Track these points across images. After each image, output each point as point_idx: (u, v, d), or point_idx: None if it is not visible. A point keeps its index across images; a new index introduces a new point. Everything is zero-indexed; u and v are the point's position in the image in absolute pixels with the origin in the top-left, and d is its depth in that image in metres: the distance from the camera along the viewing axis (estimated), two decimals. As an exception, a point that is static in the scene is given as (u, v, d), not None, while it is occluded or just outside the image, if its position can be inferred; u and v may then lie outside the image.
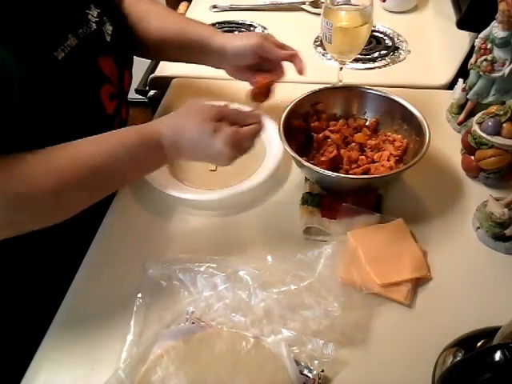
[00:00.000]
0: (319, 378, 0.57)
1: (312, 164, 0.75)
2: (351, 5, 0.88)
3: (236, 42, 0.84)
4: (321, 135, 0.84)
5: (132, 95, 1.13)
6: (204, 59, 0.90)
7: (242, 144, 0.69)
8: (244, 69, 0.86)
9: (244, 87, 1.03)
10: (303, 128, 0.85)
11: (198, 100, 0.72)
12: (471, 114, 0.87)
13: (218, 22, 1.28)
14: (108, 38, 0.77)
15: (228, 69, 0.88)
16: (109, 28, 0.77)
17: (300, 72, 0.84)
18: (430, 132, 0.76)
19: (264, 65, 0.85)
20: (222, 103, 0.73)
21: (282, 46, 0.85)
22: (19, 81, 0.61)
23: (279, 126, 0.79)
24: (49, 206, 0.63)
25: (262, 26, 1.26)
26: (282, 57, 0.84)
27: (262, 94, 0.82)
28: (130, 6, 0.89)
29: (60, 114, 0.67)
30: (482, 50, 0.79)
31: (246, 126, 0.70)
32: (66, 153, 0.64)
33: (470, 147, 0.80)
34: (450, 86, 1.01)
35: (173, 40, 0.87)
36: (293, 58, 0.84)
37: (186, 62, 0.94)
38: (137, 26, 0.88)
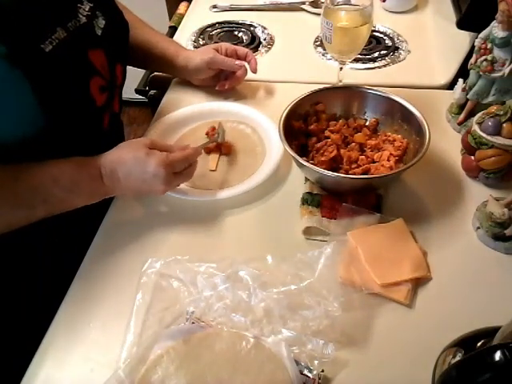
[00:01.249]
0: (319, 378, 0.57)
1: (312, 164, 0.76)
2: (351, 5, 0.88)
3: (195, 59, 0.97)
4: (314, 140, 0.85)
5: (132, 95, 1.13)
6: (170, 73, 1.05)
7: (175, 165, 0.73)
8: (208, 80, 1.01)
9: (244, 87, 1.04)
10: (303, 129, 0.86)
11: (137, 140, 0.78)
12: (471, 114, 0.87)
13: (217, 22, 1.28)
14: (99, 32, 0.77)
15: (194, 81, 1.03)
16: (101, 22, 0.78)
17: (253, 71, 0.99)
18: (429, 132, 0.76)
19: (224, 72, 1.01)
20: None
21: (234, 53, 0.99)
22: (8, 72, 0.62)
23: (279, 126, 0.79)
24: None
25: (262, 26, 1.26)
26: (232, 66, 0.98)
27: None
28: None
29: (48, 106, 0.67)
30: (482, 50, 0.79)
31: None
32: (10, 170, 0.66)
33: (470, 147, 0.80)
34: (450, 85, 1.01)
35: (138, 51, 0.96)
36: (246, 59, 0.99)
37: (152, 71, 1.12)
38: None
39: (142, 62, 1.01)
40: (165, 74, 1.09)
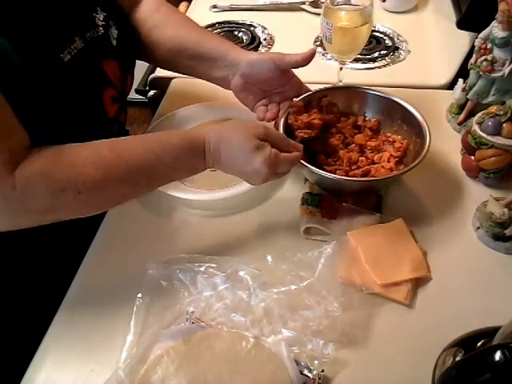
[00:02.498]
0: (319, 378, 0.57)
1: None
2: (351, 5, 0.88)
3: (253, 55, 0.82)
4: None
5: (132, 95, 1.13)
6: (215, 72, 0.85)
7: (279, 167, 0.69)
8: (252, 87, 0.83)
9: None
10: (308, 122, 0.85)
11: (245, 120, 0.73)
12: (471, 114, 0.87)
13: (218, 22, 1.29)
14: (114, 42, 0.77)
15: (237, 83, 0.83)
16: (114, 32, 0.78)
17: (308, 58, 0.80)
18: (430, 133, 0.76)
19: (275, 87, 0.83)
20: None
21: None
22: (24, 81, 0.62)
23: (279, 126, 0.79)
24: (91, 196, 0.64)
25: (262, 26, 1.26)
26: (299, 61, 0.80)
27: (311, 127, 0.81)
28: (149, 12, 0.88)
29: (61, 116, 0.67)
30: (482, 50, 0.79)
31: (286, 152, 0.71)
32: (112, 148, 0.65)
33: (470, 147, 0.80)
34: (450, 86, 1.01)
35: (186, 50, 0.85)
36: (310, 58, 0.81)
37: (196, 76, 0.90)
38: (151, 33, 0.86)
39: (190, 59, 0.86)
40: (165, 75, 1.08)
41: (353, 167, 0.81)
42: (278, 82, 0.83)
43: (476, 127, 0.78)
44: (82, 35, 0.70)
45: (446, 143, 0.87)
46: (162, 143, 0.68)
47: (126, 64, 0.80)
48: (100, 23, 0.74)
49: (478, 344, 0.54)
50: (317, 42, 1.18)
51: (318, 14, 1.19)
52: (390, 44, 1.17)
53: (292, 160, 0.71)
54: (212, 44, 0.84)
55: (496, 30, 0.76)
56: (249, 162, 0.67)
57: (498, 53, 0.78)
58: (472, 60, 0.81)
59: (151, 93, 1.16)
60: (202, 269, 0.68)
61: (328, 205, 0.76)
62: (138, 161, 0.65)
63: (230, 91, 0.86)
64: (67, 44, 0.67)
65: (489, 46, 0.78)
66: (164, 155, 0.67)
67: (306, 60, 0.80)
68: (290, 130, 0.80)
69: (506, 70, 0.77)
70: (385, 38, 1.19)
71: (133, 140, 0.69)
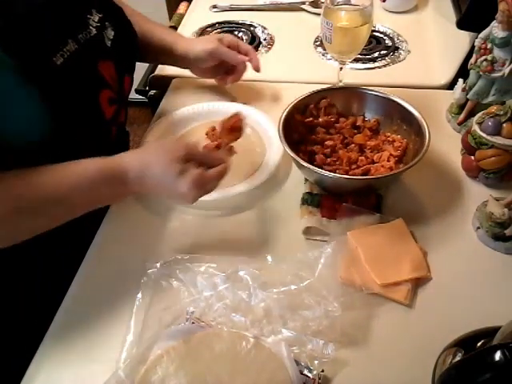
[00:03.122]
0: (319, 378, 0.57)
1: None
2: (351, 5, 0.87)
3: (197, 47, 0.92)
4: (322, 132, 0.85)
5: (132, 95, 1.13)
6: (169, 62, 1.00)
7: (207, 185, 0.69)
8: (208, 70, 0.95)
9: (244, 87, 1.04)
10: (308, 123, 0.85)
11: (170, 138, 0.74)
12: (471, 114, 0.87)
13: (218, 22, 1.28)
14: (108, 43, 0.76)
15: (193, 71, 0.97)
16: (110, 33, 0.77)
17: (256, 69, 0.94)
18: (429, 132, 0.76)
19: (224, 65, 0.94)
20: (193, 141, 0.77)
21: (237, 47, 0.94)
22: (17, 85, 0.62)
23: (279, 126, 0.79)
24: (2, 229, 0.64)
25: (262, 26, 1.26)
26: (235, 60, 0.93)
27: (233, 132, 0.81)
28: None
29: (57, 119, 0.67)
30: (482, 50, 0.79)
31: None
32: (26, 181, 0.64)
33: (470, 147, 0.80)
34: (450, 85, 1.01)
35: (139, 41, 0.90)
36: (248, 56, 0.93)
37: (150, 63, 1.06)
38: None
39: (142, 53, 0.93)
40: (165, 74, 1.09)
41: (352, 167, 0.81)
42: (226, 64, 0.94)
43: (476, 127, 0.78)
44: (75, 37, 0.69)
45: (445, 143, 0.87)
46: (80, 175, 0.66)
47: (123, 65, 0.80)
48: (94, 24, 0.74)
49: (478, 344, 0.54)
50: (317, 41, 1.18)
51: (318, 14, 1.19)
52: (390, 44, 1.16)
53: (219, 174, 0.69)
54: (160, 36, 0.94)
55: (496, 29, 0.76)
56: (174, 187, 0.66)
57: (498, 53, 0.78)
58: (472, 60, 0.81)
59: (151, 93, 1.16)
60: (201, 269, 0.68)
61: (328, 205, 0.76)
62: (54, 195, 0.65)
63: (230, 91, 0.99)
64: (60, 47, 0.66)
65: (489, 45, 0.78)
66: (83, 187, 0.66)
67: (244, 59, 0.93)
68: (290, 130, 0.80)
69: (506, 70, 0.77)
70: (385, 37, 1.19)
71: (50, 171, 0.66)
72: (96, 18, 0.75)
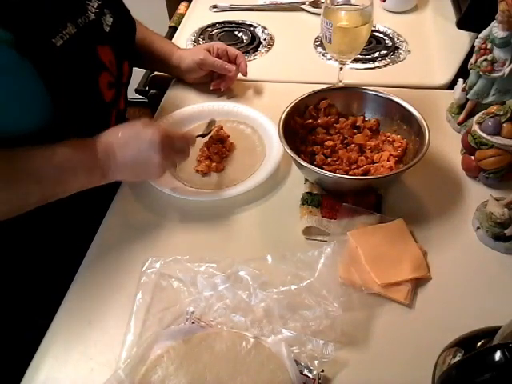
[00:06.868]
0: (319, 378, 0.57)
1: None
2: (351, 5, 0.88)
3: (186, 59, 0.98)
4: (322, 133, 0.85)
5: (132, 95, 1.13)
6: (165, 71, 1.06)
7: (172, 139, 0.72)
8: (201, 78, 1.02)
9: (244, 87, 1.04)
10: (308, 124, 0.85)
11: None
12: (471, 114, 0.87)
13: (218, 22, 1.29)
14: (107, 29, 0.78)
15: (186, 80, 1.04)
16: (109, 20, 0.79)
17: (244, 74, 0.99)
18: (429, 132, 0.76)
19: (216, 71, 1.01)
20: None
21: (225, 53, 0.99)
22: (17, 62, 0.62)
23: (279, 126, 0.79)
24: None
25: (262, 26, 1.26)
26: (222, 69, 0.98)
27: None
28: None
29: (58, 100, 0.67)
30: (482, 50, 0.79)
31: None
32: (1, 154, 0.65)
33: (470, 147, 0.80)
34: (450, 85, 1.01)
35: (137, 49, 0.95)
36: (236, 61, 0.99)
37: (146, 69, 1.13)
38: None
39: (140, 60, 1.01)
40: (165, 74, 1.09)
41: (352, 167, 0.81)
42: (214, 73, 1.01)
43: (476, 127, 0.78)
44: (74, 21, 0.70)
45: (445, 143, 0.87)
46: (52, 148, 0.67)
47: (121, 52, 0.81)
48: (93, 10, 0.75)
49: (478, 344, 0.54)
50: (317, 41, 1.18)
51: (318, 14, 1.19)
52: (390, 44, 1.16)
53: (183, 133, 0.75)
54: (158, 46, 1.00)
55: (496, 29, 0.76)
56: (140, 136, 0.70)
57: (498, 53, 0.78)
58: (472, 60, 0.81)
59: (151, 93, 1.16)
60: (201, 269, 0.68)
61: (328, 205, 0.76)
62: (26, 164, 0.65)
63: (230, 91, 1.02)
64: (59, 29, 0.67)
65: (489, 45, 0.78)
66: (53, 156, 0.66)
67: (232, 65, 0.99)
68: (289, 130, 0.80)
69: (506, 70, 0.77)
70: (385, 37, 1.19)
71: (25, 147, 0.66)
72: (95, 5, 0.77)
